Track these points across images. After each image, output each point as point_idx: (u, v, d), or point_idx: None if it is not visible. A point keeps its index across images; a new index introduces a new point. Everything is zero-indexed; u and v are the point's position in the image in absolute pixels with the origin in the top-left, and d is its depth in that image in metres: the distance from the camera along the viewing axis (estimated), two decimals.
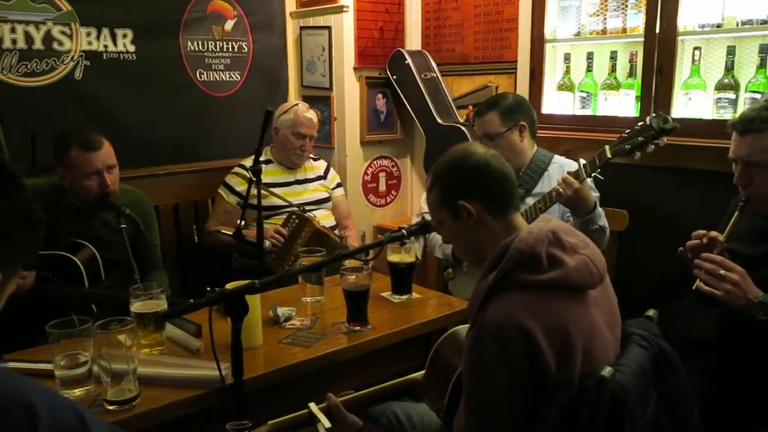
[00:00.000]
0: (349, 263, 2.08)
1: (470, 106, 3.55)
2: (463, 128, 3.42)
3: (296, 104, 3.17)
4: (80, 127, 2.45)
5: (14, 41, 2.91)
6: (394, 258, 2.23)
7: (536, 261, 1.34)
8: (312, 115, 3.15)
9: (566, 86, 3.08)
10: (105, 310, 2.20)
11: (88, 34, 3.09)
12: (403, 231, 1.73)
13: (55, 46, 3.01)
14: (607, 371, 1.27)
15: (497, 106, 2.54)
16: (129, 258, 2.24)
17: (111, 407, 1.51)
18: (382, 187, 3.94)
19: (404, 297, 2.24)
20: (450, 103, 3.61)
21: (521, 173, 2.56)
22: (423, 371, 1.68)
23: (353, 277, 1.98)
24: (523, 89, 3.21)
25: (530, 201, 2.49)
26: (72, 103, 3.05)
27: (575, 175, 2.21)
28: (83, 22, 3.07)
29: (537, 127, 2.63)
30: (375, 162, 3.88)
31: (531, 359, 1.26)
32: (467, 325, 1.44)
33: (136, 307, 1.80)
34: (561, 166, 2.56)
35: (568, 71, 3.08)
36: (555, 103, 3.13)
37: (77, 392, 1.56)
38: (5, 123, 2.83)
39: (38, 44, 2.97)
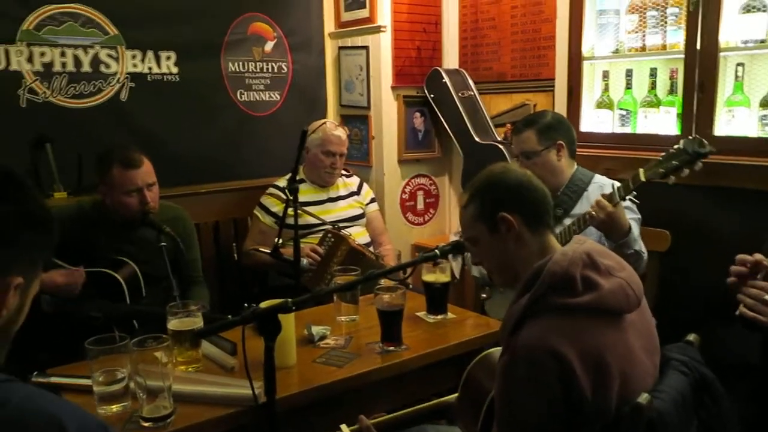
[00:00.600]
0: (384, 282, 2.08)
1: (508, 124, 3.53)
2: (500, 146, 3.40)
3: (324, 122, 3.20)
4: (122, 146, 2.52)
5: (64, 65, 3.02)
6: (429, 278, 2.21)
7: (570, 284, 1.31)
8: (341, 132, 3.17)
9: (605, 104, 3.04)
10: (146, 326, 2.24)
11: (134, 57, 3.19)
12: (436, 251, 1.72)
13: (102, 68, 3.11)
14: (643, 398, 1.23)
15: (535, 124, 2.50)
16: (168, 275, 2.27)
17: (146, 424, 1.53)
18: (420, 206, 3.94)
19: (439, 317, 2.22)
20: (488, 121, 3.60)
21: (559, 193, 2.52)
22: (457, 394, 1.66)
23: (387, 296, 1.98)
24: (561, 107, 3.18)
25: (568, 222, 2.45)
26: (117, 124, 3.14)
27: (609, 197, 2.17)
28: (129, 46, 3.17)
29: (576, 146, 2.59)
30: (413, 180, 3.88)
31: (565, 385, 1.23)
32: (499, 348, 1.42)
33: (173, 324, 1.82)
34: (601, 186, 2.51)
35: (606, 89, 3.03)
36: (594, 121, 3.09)
37: (114, 408, 1.59)
38: (54, 143, 2.94)
39: (86, 67, 3.07)
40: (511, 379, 1.28)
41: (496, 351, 1.57)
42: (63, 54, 3.01)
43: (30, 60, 2.93)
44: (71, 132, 3.01)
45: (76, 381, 1.71)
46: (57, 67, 3.00)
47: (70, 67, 3.03)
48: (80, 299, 2.39)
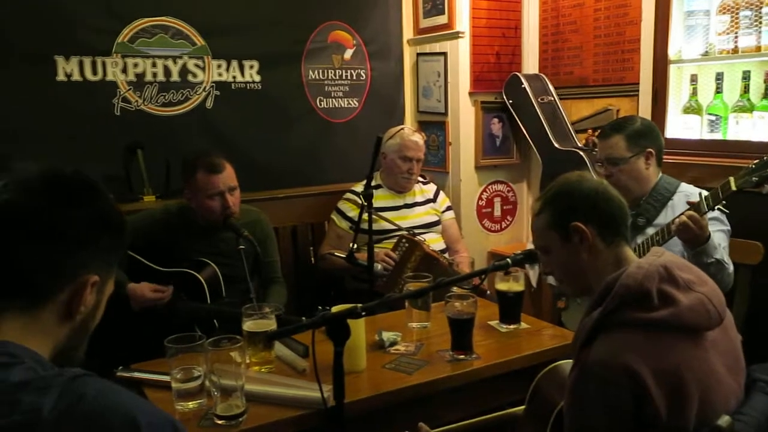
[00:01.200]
0: (456, 290, 2.06)
1: (589, 130, 3.43)
2: (581, 153, 3.30)
3: (402, 128, 3.21)
4: (206, 152, 2.63)
5: (155, 74, 3.17)
6: (502, 286, 2.18)
7: (645, 298, 1.26)
8: (418, 138, 3.17)
9: (693, 109, 2.90)
10: (227, 325, 2.34)
11: (219, 66, 3.31)
12: (508, 260, 1.69)
13: (190, 78, 3.25)
14: (724, 420, 1.17)
15: (624, 129, 2.39)
16: (246, 279, 2.34)
17: (219, 422, 1.58)
18: (497, 212, 3.89)
19: (512, 327, 2.18)
20: (568, 127, 3.51)
21: (642, 201, 2.42)
22: (524, 406, 1.62)
23: (458, 304, 1.96)
24: (645, 112, 3.05)
25: (651, 231, 2.35)
26: (202, 131, 3.27)
27: (696, 207, 2.06)
28: (215, 55, 3.29)
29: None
30: (490, 187, 3.84)
31: (638, 404, 1.18)
32: (569, 361, 1.37)
33: (248, 325, 1.87)
34: (687, 196, 2.39)
35: (694, 93, 2.89)
36: (680, 126, 2.95)
37: (190, 405, 1.65)
38: (144, 149, 3.09)
39: (175, 77, 3.21)
40: (581, 394, 1.24)
41: (566, 363, 1.53)
42: (154, 64, 3.16)
43: (124, 71, 3.09)
44: (160, 138, 3.16)
45: (156, 377, 1.79)
46: (148, 77, 3.15)
47: (161, 77, 3.18)
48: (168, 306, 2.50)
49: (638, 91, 3.12)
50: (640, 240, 2.35)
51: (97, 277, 0.98)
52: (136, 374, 1.83)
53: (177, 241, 2.59)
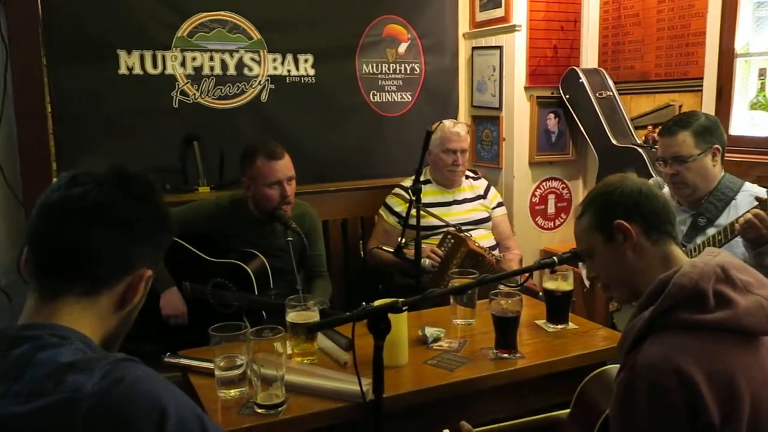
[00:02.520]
0: (502, 288, 2.01)
1: (650, 127, 3.30)
2: (640, 150, 3.19)
3: (443, 121, 3.15)
4: (266, 141, 2.65)
5: (212, 68, 3.22)
6: (549, 285, 2.12)
7: (701, 299, 1.19)
8: (459, 128, 3.11)
9: (761, 105, 2.75)
10: (274, 316, 2.35)
11: (274, 60, 3.34)
12: (554, 258, 1.63)
13: (246, 71, 3.29)
14: None
15: (690, 126, 2.27)
16: (293, 271, 2.35)
17: (259, 410, 1.59)
18: (551, 210, 3.80)
19: (559, 327, 2.12)
20: (627, 123, 3.39)
21: (704, 201, 2.30)
22: (569, 409, 1.57)
23: (503, 302, 1.92)
24: (709, 108, 2.92)
25: (712, 232, 2.23)
26: (256, 124, 3.31)
27: (764, 205, 1.95)
28: (270, 49, 3.32)
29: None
30: (544, 183, 3.75)
31: (690, 409, 1.11)
32: (617, 365, 1.31)
33: (291, 317, 1.88)
34: (751, 195, 2.26)
35: (762, 88, 2.74)
36: (746, 123, 2.81)
37: (232, 392, 1.67)
38: (200, 141, 3.15)
39: (231, 70, 3.26)
40: (629, 399, 1.18)
41: (613, 368, 1.47)
42: (211, 58, 3.21)
43: (183, 64, 3.16)
44: (215, 131, 3.21)
45: (201, 364, 1.82)
46: (206, 71, 3.21)
47: (218, 71, 3.23)
48: (217, 288, 2.54)
49: (702, 86, 2.98)
50: (699, 240, 2.24)
51: (151, 271, 1.03)
52: (182, 360, 1.86)
53: (227, 232, 2.62)
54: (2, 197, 2.76)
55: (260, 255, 2.56)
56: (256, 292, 2.51)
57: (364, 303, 1.89)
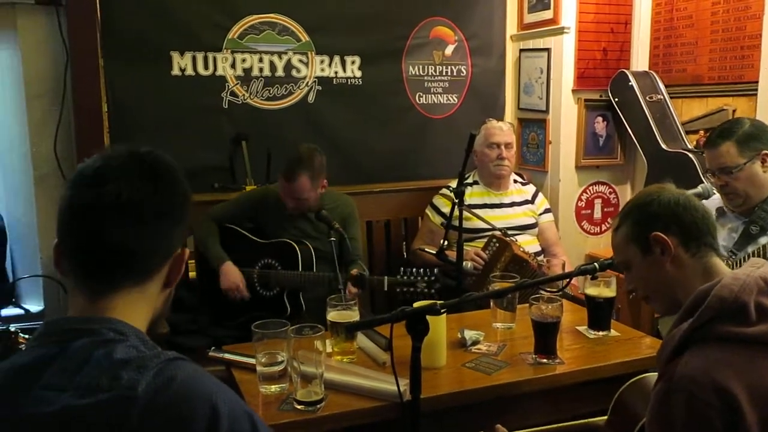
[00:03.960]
0: (543, 292, 2.01)
1: (701, 131, 3.23)
2: (690, 155, 3.12)
3: (486, 122, 3.19)
4: (296, 157, 2.68)
5: (261, 69, 3.29)
6: (591, 291, 2.10)
7: (742, 311, 1.17)
8: (503, 124, 3.16)
9: None
10: (317, 289, 2.59)
11: (322, 62, 3.39)
12: (595, 264, 1.63)
13: (294, 73, 3.35)
14: None
15: (733, 135, 2.22)
16: (336, 269, 2.40)
17: (299, 407, 1.63)
18: (597, 215, 3.75)
19: (600, 333, 2.11)
20: (678, 127, 3.33)
21: (756, 208, 2.25)
22: (606, 417, 1.56)
23: (543, 307, 1.91)
24: (764, 113, 2.84)
25: (764, 241, 2.18)
26: (303, 124, 3.37)
27: None
28: (318, 51, 3.37)
29: None
30: (590, 188, 3.71)
31: (729, 426, 1.10)
32: (655, 374, 1.31)
33: (332, 316, 1.92)
34: None
35: None
36: None
37: (273, 388, 1.72)
38: (249, 141, 3.22)
39: (280, 72, 3.33)
40: (666, 410, 1.17)
41: (651, 376, 1.46)
42: (261, 60, 3.29)
43: (233, 66, 3.24)
44: (263, 131, 3.28)
45: (244, 359, 1.88)
46: (255, 72, 3.28)
47: (266, 72, 3.30)
48: (262, 270, 2.74)
49: (758, 90, 2.90)
50: (751, 249, 2.19)
51: (187, 249, 1.06)
52: (226, 356, 1.92)
53: (276, 220, 2.76)
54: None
55: (308, 243, 2.69)
56: (300, 268, 2.67)
57: (405, 304, 1.94)
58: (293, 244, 2.69)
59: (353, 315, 1.93)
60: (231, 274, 2.66)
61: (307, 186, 2.64)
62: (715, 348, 1.16)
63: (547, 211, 3.22)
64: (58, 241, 0.99)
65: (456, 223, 2.59)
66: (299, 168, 2.62)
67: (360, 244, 2.91)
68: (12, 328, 2.09)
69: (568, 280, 1.65)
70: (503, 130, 3.10)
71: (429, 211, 3.19)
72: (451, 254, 2.66)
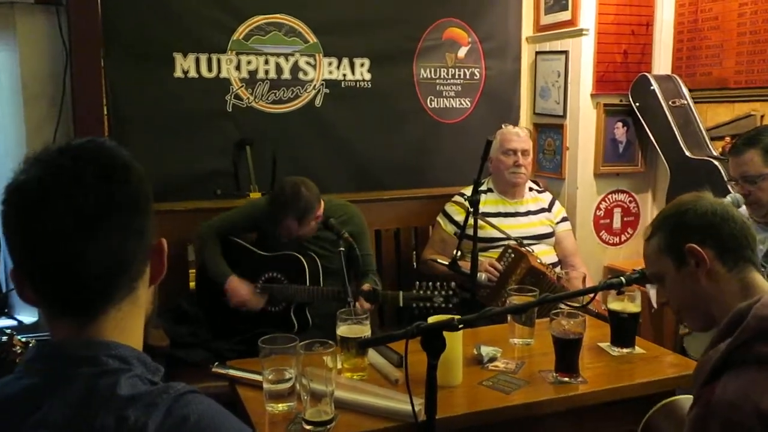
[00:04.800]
0: (564, 307, 1.98)
1: (727, 138, 3.20)
2: (715, 162, 3.09)
3: (502, 127, 3.17)
4: (280, 200, 2.61)
5: (267, 72, 3.28)
6: (615, 306, 2.07)
7: None
8: (520, 130, 3.14)
9: None
10: (325, 304, 2.54)
11: (330, 64, 3.37)
12: (622, 278, 1.60)
13: (301, 75, 3.33)
14: None
15: (758, 143, 2.20)
16: (344, 282, 2.38)
17: (308, 427, 1.60)
18: (617, 224, 3.72)
19: (624, 351, 2.07)
20: (702, 133, 3.30)
21: None
22: None
23: (564, 322, 1.88)
24: None
25: None
26: (310, 129, 3.35)
27: None
28: (326, 53, 3.36)
29: None
30: (610, 196, 3.68)
31: None
32: (689, 396, 1.27)
33: (342, 330, 1.89)
34: None
35: None
36: None
37: (280, 407, 1.69)
38: (253, 146, 3.20)
39: (286, 74, 3.31)
40: None
41: (684, 399, 1.42)
42: (266, 62, 3.27)
43: (238, 68, 3.23)
44: (269, 135, 3.27)
45: (249, 376, 1.85)
46: (260, 75, 3.27)
47: (272, 74, 3.29)
48: (266, 284, 2.68)
49: None
50: None
51: (162, 238, 0.99)
52: (231, 372, 1.89)
53: (276, 231, 2.70)
54: None
55: (315, 256, 2.65)
56: (308, 282, 2.61)
57: (416, 317, 1.91)
58: (299, 256, 2.64)
59: (364, 330, 1.90)
60: (239, 290, 2.62)
61: (294, 228, 2.60)
62: (755, 371, 1.13)
63: (564, 219, 3.19)
64: (14, 267, 0.88)
65: (470, 232, 2.56)
66: (283, 211, 2.58)
67: (373, 258, 2.87)
68: (5, 338, 2.08)
69: (592, 294, 1.62)
70: (520, 136, 3.08)
71: (441, 219, 3.17)
72: (465, 265, 2.64)
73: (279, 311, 2.66)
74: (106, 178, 0.89)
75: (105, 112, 2.94)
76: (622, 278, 1.61)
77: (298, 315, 2.64)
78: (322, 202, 2.65)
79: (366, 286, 2.56)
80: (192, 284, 2.93)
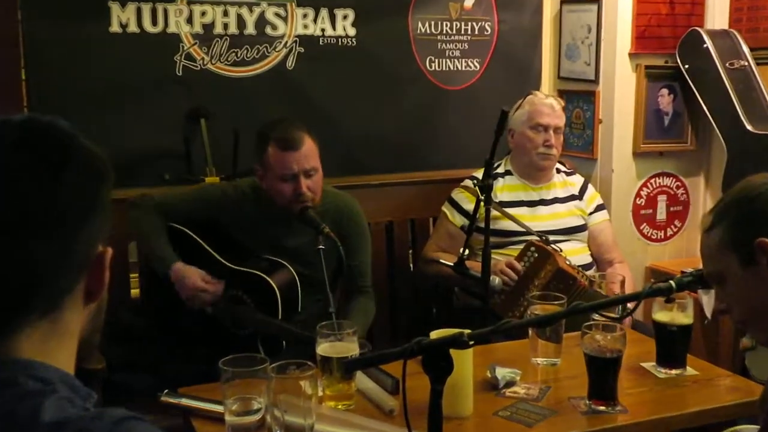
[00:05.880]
0: (598, 318, 1.99)
1: None
2: None
3: (530, 93, 3.16)
4: (285, 121, 2.68)
5: (226, 26, 3.26)
6: (661, 317, 2.09)
7: None
8: (553, 101, 3.14)
9: None
10: (297, 347, 2.36)
11: (305, 16, 3.36)
12: (671, 282, 1.60)
13: (268, 30, 3.32)
14: None
15: None
16: (325, 287, 2.36)
17: None
18: (661, 215, 3.75)
19: (674, 372, 2.10)
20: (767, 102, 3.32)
21: None
22: None
23: (599, 337, 1.90)
24: None
25: None
26: (280, 97, 3.34)
27: None
28: (300, 3, 3.34)
29: None
30: (653, 180, 3.71)
31: None
32: (754, 427, 1.29)
33: (323, 349, 1.89)
34: None
35: None
36: None
37: None
38: (209, 118, 3.19)
39: (250, 29, 3.29)
40: None
41: (751, 430, 1.43)
42: (225, 13, 3.25)
43: (189, 21, 3.20)
44: (229, 105, 3.26)
45: (208, 406, 1.84)
46: (218, 29, 3.25)
47: (233, 29, 3.27)
48: (229, 303, 2.59)
49: None
50: None
51: (109, 247, 0.98)
52: (184, 401, 1.89)
53: (246, 228, 2.69)
54: None
55: (288, 266, 2.59)
56: (280, 314, 2.53)
57: (412, 330, 1.91)
58: (272, 283, 2.57)
59: (351, 348, 1.90)
60: (189, 276, 2.54)
61: (315, 151, 2.59)
62: None
63: (599, 208, 3.21)
64: None
65: (482, 224, 2.56)
66: (299, 130, 2.57)
67: (368, 269, 2.82)
68: None
69: (635, 303, 1.62)
70: (554, 109, 3.08)
71: (447, 209, 3.17)
72: (474, 266, 2.64)
73: (245, 336, 2.61)
74: (50, 168, 0.89)
75: (23, 77, 2.92)
76: (671, 282, 1.61)
77: (268, 343, 2.58)
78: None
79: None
80: (135, 291, 2.90)
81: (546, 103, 3.10)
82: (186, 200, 2.78)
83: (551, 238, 2.91)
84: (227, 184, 2.87)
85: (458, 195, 3.16)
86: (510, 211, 2.96)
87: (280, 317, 2.55)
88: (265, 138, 2.61)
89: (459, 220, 3.11)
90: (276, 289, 2.57)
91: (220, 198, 2.75)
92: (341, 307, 2.67)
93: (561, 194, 3.16)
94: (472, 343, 1.57)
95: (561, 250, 2.86)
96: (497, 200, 2.72)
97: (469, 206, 3.04)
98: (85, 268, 0.95)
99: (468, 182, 3.14)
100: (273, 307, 2.56)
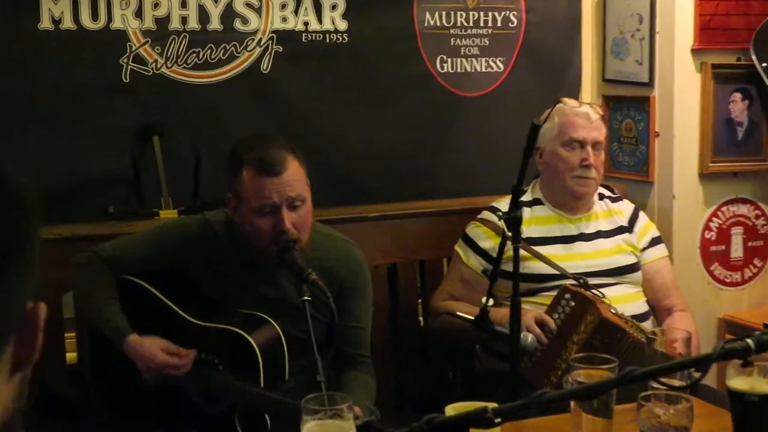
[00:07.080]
0: (659, 387, 1.99)
1: None
2: None
3: (559, 102, 3.13)
4: (260, 139, 2.67)
5: (184, 20, 3.29)
6: (738, 384, 2.08)
7: None
8: (588, 109, 3.15)
9: None
10: (286, 424, 2.39)
11: (283, 7, 3.40)
12: (748, 341, 1.60)
13: (238, 25, 3.36)
14: None
15: None
16: (313, 350, 2.36)
17: None
18: (737, 253, 3.78)
19: None
20: None
21: None
22: None
23: (659, 410, 1.89)
24: None
25: None
26: (254, 108, 3.39)
27: None
28: None
29: None
30: (725, 208, 3.74)
31: None
32: None
33: (310, 428, 1.88)
34: None
35: None
36: None
37: None
38: (163, 135, 3.20)
39: (215, 23, 3.33)
40: None
41: None
42: (184, 4, 3.28)
43: (139, 14, 3.24)
44: (188, 119, 3.30)
45: None
46: (174, 24, 3.28)
47: (193, 24, 3.30)
48: (198, 369, 2.59)
49: None
50: None
51: (41, 302, 0.98)
52: None
53: (221, 276, 2.68)
54: None
55: (272, 322, 2.59)
56: (262, 382, 2.54)
57: (422, 401, 1.91)
58: (249, 339, 2.56)
59: (346, 428, 1.89)
60: (145, 349, 2.51)
61: (302, 176, 2.58)
62: None
63: (655, 241, 3.23)
64: None
65: (509, 268, 2.57)
66: (282, 150, 2.56)
67: (368, 336, 2.81)
68: None
69: (704, 368, 1.63)
70: (591, 119, 3.10)
71: (460, 249, 3.19)
72: (500, 319, 2.64)
73: (218, 414, 2.60)
74: None
75: None
76: (748, 341, 1.62)
77: (248, 420, 2.58)
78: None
79: (356, 409, 2.40)
80: (72, 355, 2.90)
81: (580, 112, 3.11)
82: (140, 245, 2.76)
83: (595, 281, 2.94)
84: (191, 220, 2.83)
85: (474, 230, 3.18)
86: (541, 250, 2.98)
87: (262, 385, 2.55)
88: (238, 160, 2.59)
89: (475, 261, 3.12)
90: (256, 348, 2.56)
91: (183, 239, 2.73)
92: (334, 379, 2.66)
93: (605, 226, 3.17)
94: (498, 420, 1.57)
95: (603, 296, 2.87)
96: (524, 236, 2.72)
97: (488, 244, 3.06)
98: (12, 330, 0.95)
99: (487, 214, 3.15)
100: (253, 372, 2.56)
